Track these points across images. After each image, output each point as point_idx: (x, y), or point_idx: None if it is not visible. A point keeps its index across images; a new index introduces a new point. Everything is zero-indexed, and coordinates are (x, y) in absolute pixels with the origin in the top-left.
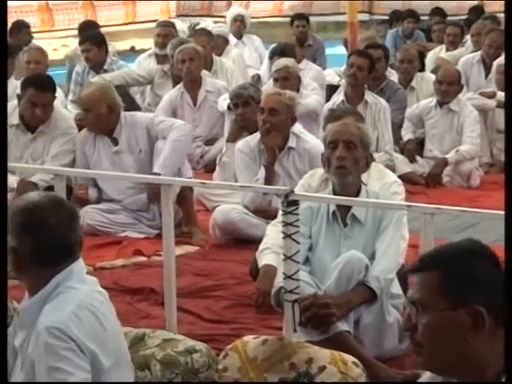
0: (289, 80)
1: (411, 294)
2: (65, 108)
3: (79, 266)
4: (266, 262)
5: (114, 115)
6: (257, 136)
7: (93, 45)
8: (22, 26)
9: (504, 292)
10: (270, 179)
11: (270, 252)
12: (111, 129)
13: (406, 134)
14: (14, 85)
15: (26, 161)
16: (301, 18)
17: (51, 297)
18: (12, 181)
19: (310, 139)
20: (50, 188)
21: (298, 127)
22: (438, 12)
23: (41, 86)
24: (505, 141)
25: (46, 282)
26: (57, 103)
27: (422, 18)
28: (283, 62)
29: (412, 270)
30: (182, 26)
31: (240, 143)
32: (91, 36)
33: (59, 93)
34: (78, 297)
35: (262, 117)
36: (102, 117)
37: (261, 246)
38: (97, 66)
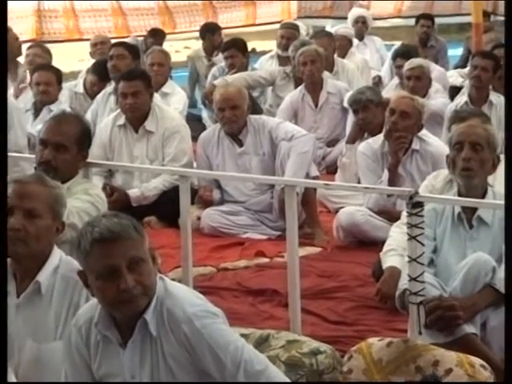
0: (421, 80)
1: None
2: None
3: None
4: (390, 264)
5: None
6: (380, 138)
7: (238, 51)
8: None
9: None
10: (393, 182)
11: (394, 254)
12: (240, 130)
13: None
14: None
15: (142, 161)
16: (427, 17)
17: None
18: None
19: (433, 141)
20: (174, 189)
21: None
22: None
23: (128, 75)
24: (505, 139)
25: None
26: (160, 101)
27: None
28: (418, 61)
29: None
30: (303, 27)
31: (362, 145)
32: (236, 42)
33: (182, 94)
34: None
35: (392, 118)
36: (245, 115)
37: (385, 248)
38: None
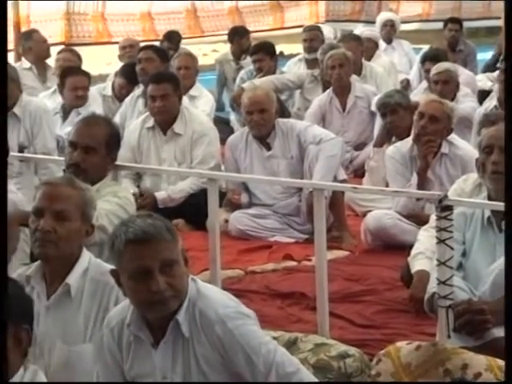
0: (449, 84)
1: None
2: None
3: None
4: (419, 268)
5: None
6: (408, 142)
7: (266, 55)
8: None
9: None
10: (422, 186)
11: (422, 257)
12: (268, 133)
13: None
14: None
15: (170, 164)
16: (454, 21)
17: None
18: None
19: (462, 145)
20: (202, 192)
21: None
22: None
23: (156, 78)
24: (504, 141)
25: None
26: (187, 104)
27: None
28: (445, 65)
29: None
30: (330, 31)
31: (390, 149)
32: (264, 46)
33: (209, 97)
34: (211, 285)
35: (421, 122)
36: (273, 118)
37: (413, 251)
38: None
